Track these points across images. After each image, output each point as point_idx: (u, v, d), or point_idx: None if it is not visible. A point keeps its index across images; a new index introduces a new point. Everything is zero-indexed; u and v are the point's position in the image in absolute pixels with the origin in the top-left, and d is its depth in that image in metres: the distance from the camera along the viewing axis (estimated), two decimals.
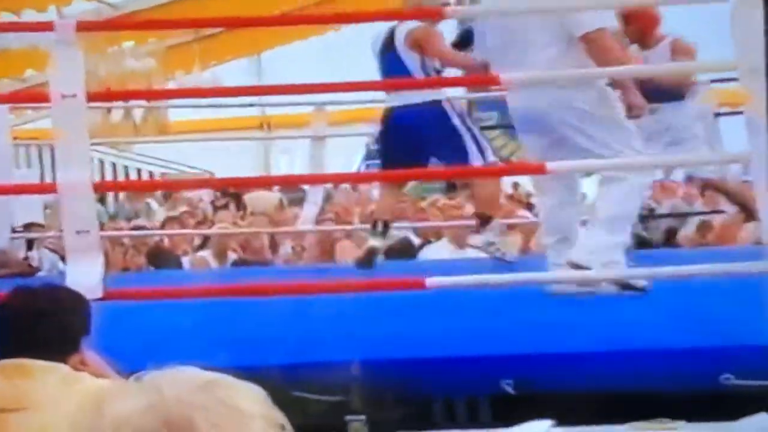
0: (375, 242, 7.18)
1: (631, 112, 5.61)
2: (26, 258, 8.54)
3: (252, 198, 12.92)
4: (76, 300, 3.27)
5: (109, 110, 13.50)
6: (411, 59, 6.94)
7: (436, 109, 6.88)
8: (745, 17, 4.54)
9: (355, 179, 12.65)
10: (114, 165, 15.93)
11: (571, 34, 5.36)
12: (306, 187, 10.83)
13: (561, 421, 3.76)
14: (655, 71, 6.75)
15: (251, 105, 14.55)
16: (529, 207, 12.18)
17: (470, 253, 8.38)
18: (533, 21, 5.42)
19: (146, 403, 1.15)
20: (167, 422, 1.13)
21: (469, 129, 7.00)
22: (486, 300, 5.21)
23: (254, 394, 1.23)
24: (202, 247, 10.01)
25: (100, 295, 4.56)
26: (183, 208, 11.71)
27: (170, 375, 1.22)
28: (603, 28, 5.38)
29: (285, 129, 16.69)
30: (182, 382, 1.20)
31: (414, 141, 6.88)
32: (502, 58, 5.49)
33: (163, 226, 11.05)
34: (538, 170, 5.51)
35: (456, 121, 6.96)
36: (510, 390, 4.00)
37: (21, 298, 3.22)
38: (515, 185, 15.31)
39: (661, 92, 6.77)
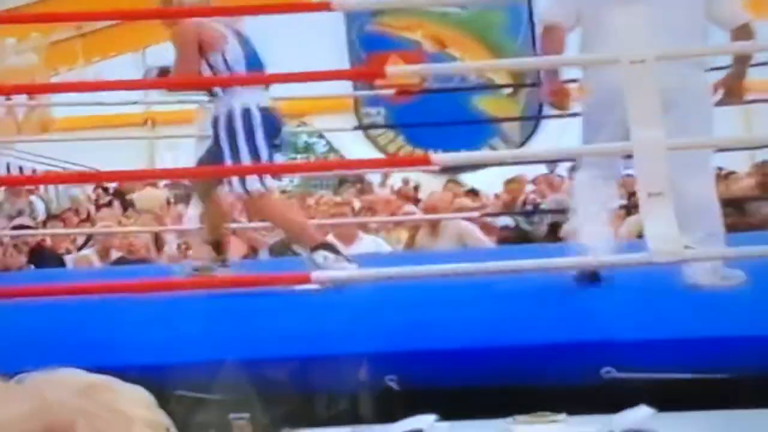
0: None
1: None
2: None
3: (140, 196, 12.81)
4: None
5: None
6: None
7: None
8: None
9: (242, 172, 12.57)
10: None
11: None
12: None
13: (444, 416, 3.78)
14: None
15: (135, 103, 14.45)
16: (416, 202, 12.28)
17: (358, 249, 8.40)
18: None
19: (28, 408, 1.12)
20: (49, 428, 1.10)
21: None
22: (376, 296, 5.21)
23: (139, 397, 1.20)
24: (84, 245, 9.90)
25: None
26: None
27: (52, 378, 1.19)
28: None
29: (170, 125, 16.55)
30: (64, 385, 1.17)
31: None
32: None
33: (45, 225, 10.93)
34: (422, 162, 5.53)
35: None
36: (394, 386, 3.99)
37: None
38: (405, 181, 15.46)
39: None
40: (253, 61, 6.33)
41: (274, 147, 6.28)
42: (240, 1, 7.41)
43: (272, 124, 6.27)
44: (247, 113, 6.09)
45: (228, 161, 6.08)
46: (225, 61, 6.14)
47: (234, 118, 6.07)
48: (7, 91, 5.94)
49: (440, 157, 5.29)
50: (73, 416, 1.11)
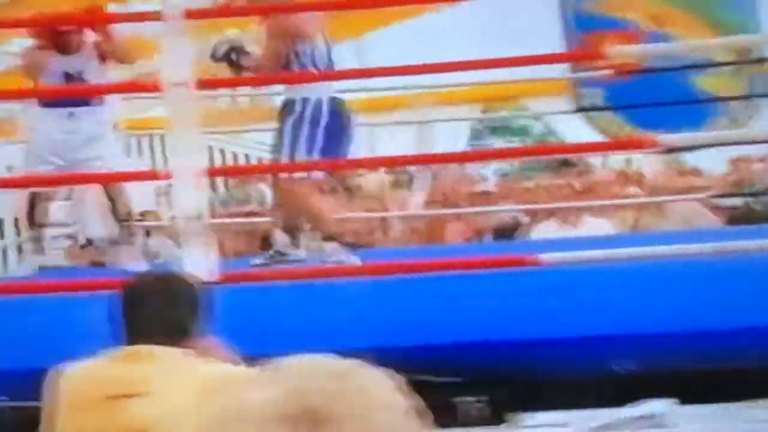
0: None
1: None
2: (145, 246, 8.68)
3: (366, 181, 12.97)
4: (195, 286, 3.31)
5: (215, 98, 13.65)
6: None
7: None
8: None
9: (461, 159, 12.58)
10: (222, 152, 16.05)
11: None
12: (412, 169, 10.83)
13: (683, 400, 3.73)
14: None
15: (356, 90, 14.63)
16: (639, 184, 12.07)
17: (583, 232, 8.31)
18: None
19: (286, 392, 1.15)
20: (308, 411, 1.12)
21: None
22: (603, 277, 5.14)
23: (390, 383, 1.22)
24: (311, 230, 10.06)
25: (216, 278, 4.60)
26: None
27: (306, 363, 1.21)
28: None
29: (387, 111, 16.68)
30: (318, 369, 1.19)
31: None
32: None
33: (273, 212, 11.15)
34: (649, 144, 5.43)
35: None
36: (628, 369, 3.96)
37: (141, 284, 3.26)
38: (628, 161, 15.20)
39: None
40: (329, 60, 6.35)
41: (340, 140, 6.32)
42: None
43: (340, 117, 6.31)
44: (319, 105, 6.12)
45: (285, 149, 6.18)
46: (312, 53, 6.16)
47: (306, 108, 6.11)
48: (233, 84, 6.07)
49: (667, 138, 5.16)
50: (328, 400, 1.13)
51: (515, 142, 21.83)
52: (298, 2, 11.01)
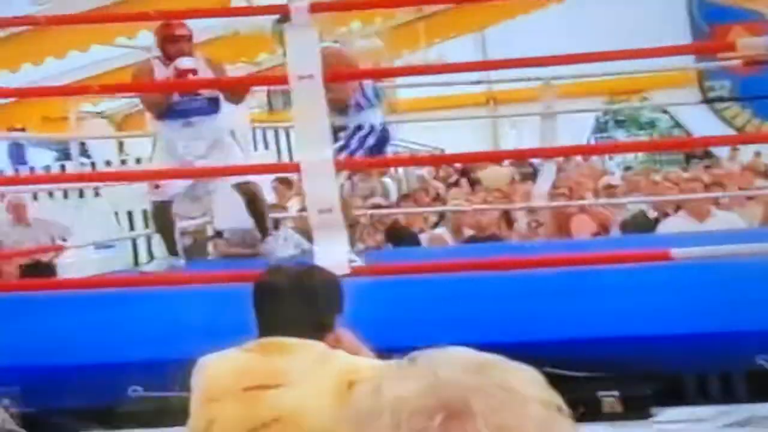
0: None
1: None
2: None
3: (485, 175, 12.94)
4: (330, 279, 3.32)
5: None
6: None
7: None
8: None
9: (587, 151, 12.50)
10: None
11: None
12: (537, 162, 10.77)
13: None
14: None
15: (479, 82, 14.61)
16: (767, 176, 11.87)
17: (712, 226, 8.18)
18: None
19: (423, 385, 1.14)
20: (445, 405, 1.12)
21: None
22: (735, 272, 5.05)
23: (530, 376, 1.20)
24: (437, 224, 10.09)
25: (347, 271, 4.61)
26: None
27: (443, 356, 1.20)
28: None
29: (511, 104, 16.64)
30: (457, 363, 1.18)
31: None
32: None
33: (398, 205, 11.21)
34: None
35: None
36: (767, 366, 3.88)
37: (277, 277, 3.28)
38: (757, 154, 14.94)
39: None
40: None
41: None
42: None
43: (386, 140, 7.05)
44: (373, 130, 6.79)
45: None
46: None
47: (370, 132, 6.75)
48: (360, 76, 6.09)
49: None
50: (467, 393, 1.12)
51: (641, 135, 21.60)
52: None
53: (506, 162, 14.35)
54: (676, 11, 18.98)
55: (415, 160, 12.94)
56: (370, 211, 9.40)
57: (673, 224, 8.70)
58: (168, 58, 7.10)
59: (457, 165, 15.50)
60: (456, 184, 13.67)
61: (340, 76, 5.75)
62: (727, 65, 12.84)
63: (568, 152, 10.10)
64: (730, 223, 8.50)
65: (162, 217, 7.25)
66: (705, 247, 5.20)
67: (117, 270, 9.07)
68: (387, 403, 1.14)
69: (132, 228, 12.05)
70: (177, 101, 7.05)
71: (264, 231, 7.25)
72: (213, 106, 7.10)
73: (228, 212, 7.61)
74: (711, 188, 9.78)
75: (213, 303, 4.84)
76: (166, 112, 7.11)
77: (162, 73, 7.11)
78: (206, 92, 7.07)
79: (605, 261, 5.25)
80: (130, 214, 12.23)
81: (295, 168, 5.26)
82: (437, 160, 12.94)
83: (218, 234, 8.59)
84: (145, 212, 10.79)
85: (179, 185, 7.05)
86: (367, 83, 6.83)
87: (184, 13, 7.49)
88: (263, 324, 3.18)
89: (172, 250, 7.27)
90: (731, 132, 18.45)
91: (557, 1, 17.56)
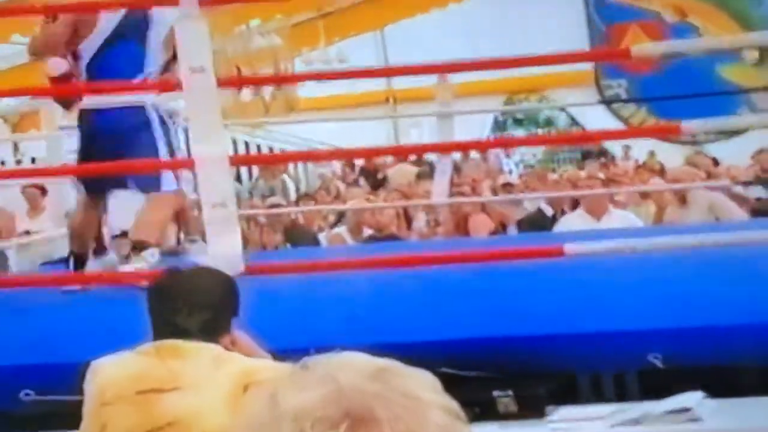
0: None
1: None
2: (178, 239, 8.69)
3: (394, 172, 12.98)
4: (226, 281, 3.31)
5: (239, 89, 13.68)
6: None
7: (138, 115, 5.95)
8: None
9: (484, 146, 12.60)
10: (247, 144, 16.09)
11: None
12: (435, 158, 10.80)
13: (712, 394, 3.71)
14: None
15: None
16: (661, 174, 12.05)
17: (608, 224, 8.28)
18: None
19: (324, 393, 1.13)
20: (349, 413, 1.10)
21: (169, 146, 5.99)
22: (629, 270, 5.12)
23: (428, 382, 1.20)
24: (337, 223, 10.08)
25: (241, 269, 4.58)
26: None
27: (339, 362, 1.19)
28: None
29: (412, 102, 16.73)
30: (355, 370, 1.17)
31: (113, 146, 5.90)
32: None
33: (297, 204, 11.18)
34: (673, 131, 5.36)
35: (156, 133, 5.96)
36: (658, 363, 3.94)
37: (172, 280, 3.26)
38: (651, 153, 15.20)
39: None
40: None
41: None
42: None
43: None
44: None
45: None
46: None
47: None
48: (256, 82, 6.04)
49: (690, 125, 5.12)
50: (370, 401, 1.11)
51: (540, 133, 21.82)
52: None
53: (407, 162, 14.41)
54: (573, 10, 19.20)
55: (311, 156, 12.93)
56: (268, 211, 9.36)
57: (571, 222, 8.78)
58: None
59: (358, 163, 15.53)
60: (356, 182, 13.68)
61: (232, 82, 5.70)
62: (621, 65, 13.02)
63: (463, 147, 10.14)
64: (626, 221, 8.61)
65: None
66: (598, 242, 5.25)
67: None
68: (286, 414, 1.12)
69: None
70: None
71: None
72: None
73: (129, 212, 7.45)
74: (607, 186, 9.91)
75: (110, 305, 4.79)
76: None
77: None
78: None
79: (498, 257, 5.29)
80: None
81: (190, 164, 5.19)
82: (334, 156, 12.93)
83: (123, 234, 8.41)
84: None
85: None
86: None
87: (75, 6, 7.33)
88: (157, 327, 3.16)
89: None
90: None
91: (456, 1, 17.66)
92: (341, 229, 9.43)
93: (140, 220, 5.96)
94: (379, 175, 13.90)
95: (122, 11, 5.79)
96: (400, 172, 12.56)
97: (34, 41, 5.90)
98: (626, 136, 12.57)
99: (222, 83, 4.88)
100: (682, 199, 9.19)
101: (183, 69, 4.71)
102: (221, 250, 4.68)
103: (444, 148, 8.74)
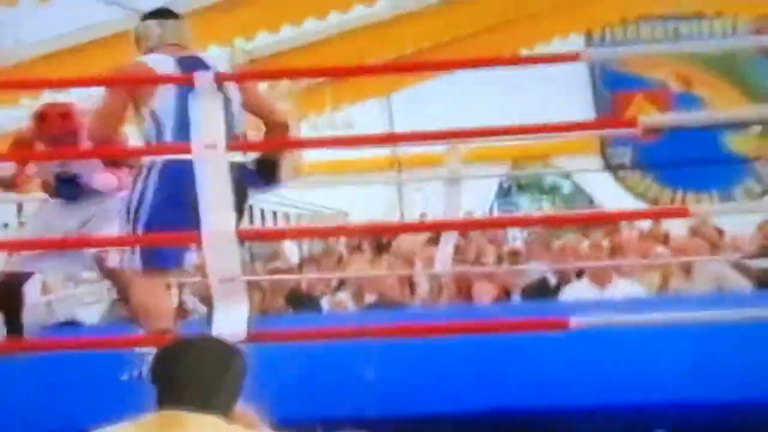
0: None
1: None
2: (179, 302, 8.66)
3: (399, 239, 12.96)
4: (233, 353, 3.27)
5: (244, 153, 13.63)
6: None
7: None
8: None
9: (492, 225, 12.58)
10: (251, 207, 16.07)
11: None
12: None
13: None
14: None
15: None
16: (666, 243, 12.01)
17: (613, 293, 8.25)
18: None
19: None
20: None
21: None
22: (634, 340, 5.07)
23: None
24: (339, 288, 10.04)
25: (243, 337, 4.56)
26: None
27: None
28: None
29: (417, 167, 16.76)
30: None
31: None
32: None
33: (300, 268, 11.14)
34: (681, 214, 5.37)
35: None
36: None
37: (179, 350, 3.23)
38: (655, 222, 15.11)
39: None
40: None
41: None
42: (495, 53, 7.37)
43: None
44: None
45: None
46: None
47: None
48: (265, 147, 6.01)
49: (700, 209, 5.15)
50: None
51: (544, 200, 21.84)
52: (324, 67, 11.13)
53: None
54: (579, 77, 19.26)
55: (317, 232, 12.99)
56: (271, 277, 9.34)
57: (575, 291, 8.76)
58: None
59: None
60: (359, 248, 13.63)
61: (240, 146, 5.65)
62: (626, 132, 13.02)
63: (478, 226, 10.11)
64: (630, 291, 8.58)
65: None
66: (603, 316, 5.21)
67: None
68: None
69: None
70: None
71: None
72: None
73: None
74: (611, 255, 9.88)
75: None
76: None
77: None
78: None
79: (502, 329, 5.24)
80: None
81: (196, 238, 5.16)
82: (341, 232, 12.97)
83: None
84: None
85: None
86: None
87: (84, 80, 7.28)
88: (160, 395, 3.13)
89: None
90: (631, 197, 18.76)
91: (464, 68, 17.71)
92: (343, 295, 9.41)
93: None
94: (383, 240, 13.85)
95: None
96: (407, 241, 12.53)
97: (93, 132, 5.57)
98: (633, 218, 12.52)
99: (231, 147, 4.84)
100: (686, 269, 9.16)
101: (195, 144, 4.70)
102: (226, 322, 4.66)
103: (454, 226, 8.72)
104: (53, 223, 6.45)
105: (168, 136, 5.21)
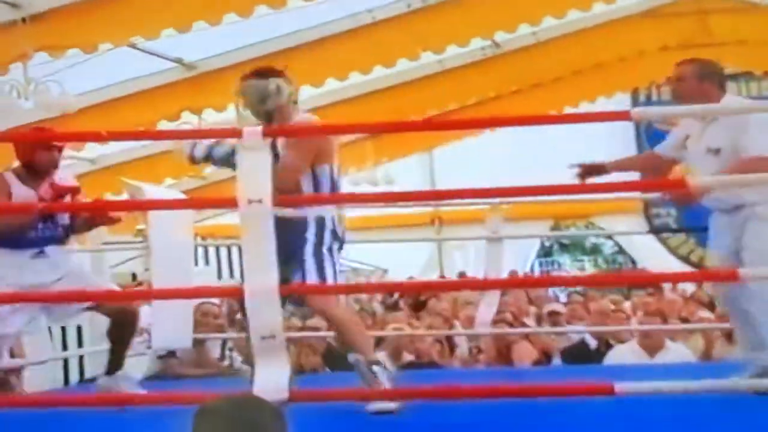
0: None
1: None
2: (222, 357, 8.58)
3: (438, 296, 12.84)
4: (275, 415, 3.16)
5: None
6: None
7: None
8: None
9: (532, 284, 12.45)
10: None
11: None
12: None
13: None
14: None
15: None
16: (711, 308, 11.82)
17: (666, 358, 8.10)
18: None
19: None
20: None
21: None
22: (685, 409, 4.95)
23: None
24: (376, 347, 9.91)
25: (285, 396, 4.49)
26: None
27: None
28: None
29: (458, 223, 16.67)
30: None
31: None
32: None
33: None
34: (731, 277, 5.24)
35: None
36: None
37: (219, 407, 3.11)
38: (699, 285, 14.93)
39: None
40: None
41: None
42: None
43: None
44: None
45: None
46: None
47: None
48: (309, 201, 5.96)
49: (749, 272, 5.04)
50: None
51: (585, 260, 21.68)
52: (368, 123, 11.10)
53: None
54: (624, 135, 19.13)
55: (358, 288, 12.93)
56: (310, 334, 9.22)
57: (621, 355, 8.60)
58: (34, 172, 6.07)
59: None
60: (396, 306, 13.51)
61: (289, 201, 5.58)
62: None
63: (511, 285, 9.99)
64: (678, 356, 8.43)
65: None
66: (650, 382, 5.08)
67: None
68: None
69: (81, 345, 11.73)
70: (37, 228, 6.07)
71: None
72: (66, 233, 6.24)
73: (168, 330, 7.31)
74: (659, 319, 9.71)
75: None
76: (14, 240, 6.03)
77: (22, 193, 6.04)
78: (64, 218, 6.21)
79: (546, 393, 5.12)
80: None
81: (237, 292, 5.12)
82: (380, 288, 12.91)
83: (171, 353, 8.29)
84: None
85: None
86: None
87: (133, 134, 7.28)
88: None
89: None
90: (674, 259, 18.55)
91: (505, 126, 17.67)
92: (380, 354, 9.27)
93: None
94: (421, 298, 13.73)
95: None
96: (446, 299, 12.41)
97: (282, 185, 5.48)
98: (679, 280, 12.33)
99: (276, 203, 4.79)
100: (729, 334, 9.01)
101: (241, 199, 4.64)
102: (268, 379, 4.60)
103: (494, 284, 8.61)
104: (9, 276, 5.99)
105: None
